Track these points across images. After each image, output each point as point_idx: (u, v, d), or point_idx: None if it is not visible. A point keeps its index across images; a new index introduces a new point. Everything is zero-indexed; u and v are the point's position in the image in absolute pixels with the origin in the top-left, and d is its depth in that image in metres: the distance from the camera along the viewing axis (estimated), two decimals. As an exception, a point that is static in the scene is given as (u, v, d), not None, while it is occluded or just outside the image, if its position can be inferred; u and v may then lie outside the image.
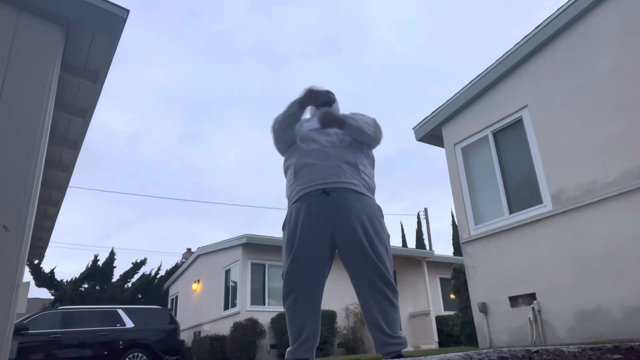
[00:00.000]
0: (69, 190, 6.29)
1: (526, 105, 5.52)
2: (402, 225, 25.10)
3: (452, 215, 23.06)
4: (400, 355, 2.08)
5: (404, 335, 2.14)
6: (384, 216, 2.38)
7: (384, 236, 2.23)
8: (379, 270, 2.12)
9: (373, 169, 2.50)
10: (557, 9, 5.18)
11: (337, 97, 2.61)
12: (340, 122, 2.36)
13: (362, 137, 2.38)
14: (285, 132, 2.43)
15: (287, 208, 2.42)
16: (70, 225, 45.92)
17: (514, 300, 5.26)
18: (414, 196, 57.26)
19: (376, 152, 2.60)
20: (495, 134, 5.95)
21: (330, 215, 2.19)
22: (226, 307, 12.28)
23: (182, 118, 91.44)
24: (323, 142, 2.37)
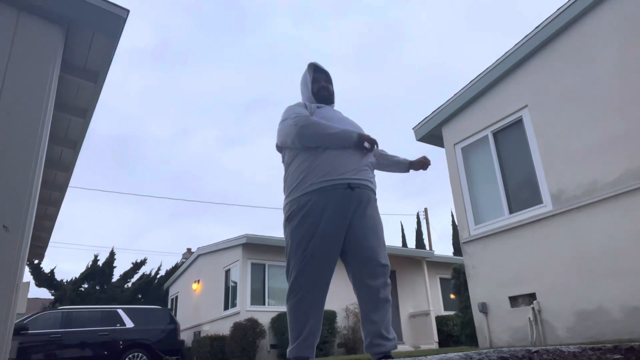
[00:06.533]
0: (70, 190, 6.29)
1: (526, 105, 5.52)
2: (402, 225, 25.07)
3: (452, 215, 23.06)
4: (389, 356, 2.05)
5: (394, 334, 2.14)
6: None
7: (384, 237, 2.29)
8: (384, 276, 2.11)
9: None
10: (557, 9, 5.18)
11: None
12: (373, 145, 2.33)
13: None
14: (312, 142, 2.22)
15: (289, 199, 2.23)
16: (70, 225, 45.94)
17: (514, 300, 5.26)
18: (415, 195, 57.32)
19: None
20: (495, 134, 5.95)
21: (352, 212, 2.12)
22: (226, 307, 12.27)
23: (222, 121, 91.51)
24: None
